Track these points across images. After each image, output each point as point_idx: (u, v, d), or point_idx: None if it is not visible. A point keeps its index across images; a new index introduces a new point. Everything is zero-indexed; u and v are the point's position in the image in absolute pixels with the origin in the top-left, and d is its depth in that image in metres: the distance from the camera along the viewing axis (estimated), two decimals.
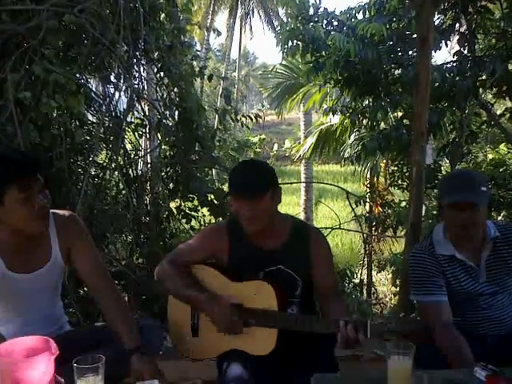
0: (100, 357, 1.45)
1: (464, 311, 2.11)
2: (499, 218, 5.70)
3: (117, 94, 4.35)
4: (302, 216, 11.73)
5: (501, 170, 6.08)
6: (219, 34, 5.55)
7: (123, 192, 4.39)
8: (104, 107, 4.32)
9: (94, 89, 4.59)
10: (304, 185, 12.87)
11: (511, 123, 6.33)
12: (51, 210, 1.92)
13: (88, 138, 4.34)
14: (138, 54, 4.29)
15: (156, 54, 4.44)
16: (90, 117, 4.48)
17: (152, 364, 1.76)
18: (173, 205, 4.65)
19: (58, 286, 2.04)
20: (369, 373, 1.75)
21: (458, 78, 5.45)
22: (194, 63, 4.78)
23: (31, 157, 1.83)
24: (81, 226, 2.02)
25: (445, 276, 2.10)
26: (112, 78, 4.37)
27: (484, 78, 5.57)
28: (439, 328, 1.99)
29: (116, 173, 4.31)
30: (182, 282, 2.01)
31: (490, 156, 6.91)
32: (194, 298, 1.99)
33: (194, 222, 4.62)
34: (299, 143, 12.09)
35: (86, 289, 3.58)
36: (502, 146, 7.09)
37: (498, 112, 6.54)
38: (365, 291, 8.39)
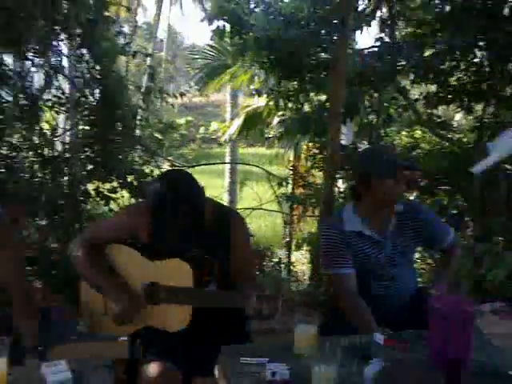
0: (3, 339, 1.44)
1: (370, 282, 2.25)
2: (411, 197, 5.98)
3: (33, 70, 4.18)
4: (226, 198, 11.72)
5: (414, 152, 6.38)
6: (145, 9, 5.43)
7: (38, 174, 4.22)
8: (19, 84, 4.13)
9: (9, 65, 4.37)
10: (229, 167, 12.81)
11: (426, 108, 6.62)
12: None
13: (1, 117, 4.14)
14: (57, 28, 4.11)
15: (78, 30, 4.27)
16: (4, 94, 4.27)
17: None
18: (92, 186, 4.52)
19: None
20: (277, 342, 1.83)
21: (378, 63, 5.63)
22: (121, 40, 4.65)
23: None
24: (5, 231, 1.94)
25: (352, 250, 2.22)
26: (30, 54, 4.18)
27: (403, 63, 5.77)
28: (346, 297, 2.18)
29: (30, 153, 4.15)
30: (93, 267, 2.01)
31: (406, 139, 7.22)
32: (103, 286, 2.01)
33: (113, 205, 4.52)
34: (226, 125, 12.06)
35: None
36: (417, 128, 7.40)
37: (416, 97, 6.82)
38: (284, 270, 8.55)
